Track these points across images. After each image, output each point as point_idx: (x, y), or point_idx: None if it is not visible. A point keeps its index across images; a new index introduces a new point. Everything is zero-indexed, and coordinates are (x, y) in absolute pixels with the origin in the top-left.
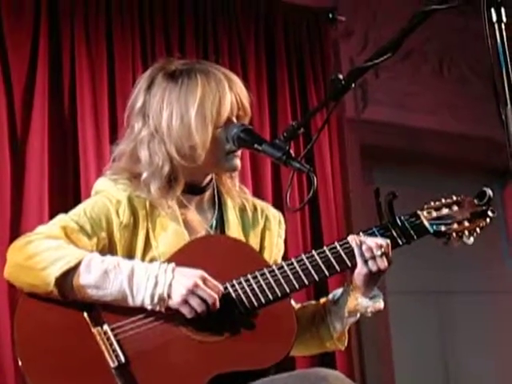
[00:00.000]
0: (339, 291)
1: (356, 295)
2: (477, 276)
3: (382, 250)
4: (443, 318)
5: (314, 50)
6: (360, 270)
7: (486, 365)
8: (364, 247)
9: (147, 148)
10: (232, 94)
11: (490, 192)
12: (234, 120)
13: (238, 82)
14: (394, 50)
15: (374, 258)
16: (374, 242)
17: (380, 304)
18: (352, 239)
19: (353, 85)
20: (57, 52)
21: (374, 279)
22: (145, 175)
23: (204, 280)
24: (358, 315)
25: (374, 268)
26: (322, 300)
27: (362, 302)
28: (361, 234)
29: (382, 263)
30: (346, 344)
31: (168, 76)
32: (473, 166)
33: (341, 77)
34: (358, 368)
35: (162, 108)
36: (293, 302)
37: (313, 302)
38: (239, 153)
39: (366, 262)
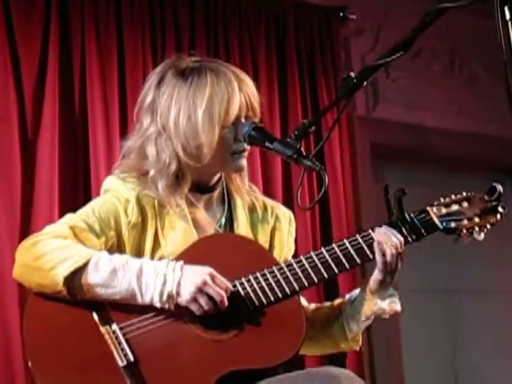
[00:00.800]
0: (355, 293)
1: (374, 299)
2: (488, 274)
3: (400, 250)
4: (454, 317)
5: (324, 49)
6: (378, 274)
7: (497, 364)
8: (384, 250)
9: (154, 145)
10: (242, 94)
11: (500, 188)
12: (243, 121)
13: (248, 83)
14: (406, 49)
15: (392, 261)
16: (391, 244)
17: (397, 306)
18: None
19: (364, 83)
20: (67, 48)
21: (389, 280)
22: (152, 173)
23: (213, 277)
24: (373, 317)
25: (391, 269)
26: (338, 301)
27: (380, 306)
28: (370, 231)
29: (399, 262)
30: (360, 344)
31: (178, 73)
32: (483, 165)
33: (352, 75)
34: (368, 366)
35: (171, 106)
36: (306, 302)
37: (328, 303)
38: (246, 153)
39: (386, 266)
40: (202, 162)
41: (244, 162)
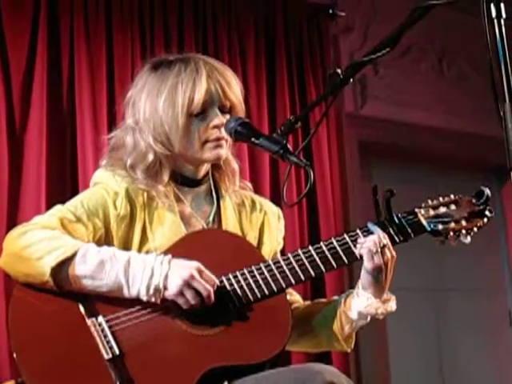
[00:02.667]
0: (349, 292)
1: (366, 295)
2: (474, 274)
3: (384, 242)
4: (439, 315)
5: (313, 45)
6: (365, 268)
7: (482, 363)
8: (366, 244)
9: (132, 136)
10: (211, 81)
11: (488, 192)
12: (217, 110)
13: (222, 71)
14: (393, 45)
15: (375, 250)
16: (373, 238)
17: (392, 306)
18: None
19: (351, 80)
20: (56, 44)
21: (380, 277)
22: (129, 161)
23: (200, 272)
24: (369, 318)
25: (377, 261)
26: (332, 299)
27: (372, 304)
28: (358, 231)
29: (385, 255)
30: (352, 347)
31: (152, 68)
32: (472, 164)
33: (339, 71)
34: (354, 364)
35: (141, 98)
36: (299, 299)
37: (323, 300)
38: (221, 142)
39: (371, 257)
40: (173, 151)
41: (220, 152)
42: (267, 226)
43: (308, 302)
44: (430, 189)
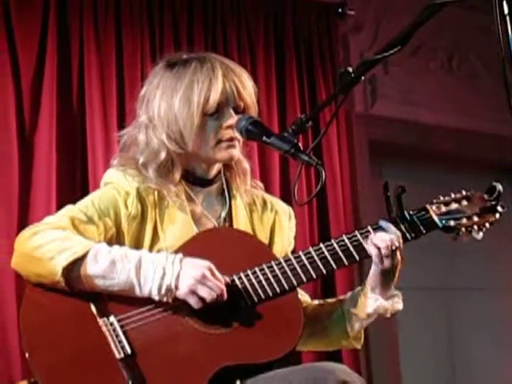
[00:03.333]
0: (357, 291)
1: (375, 297)
2: (485, 273)
3: (396, 244)
4: (451, 315)
5: (323, 45)
6: (375, 269)
7: (494, 362)
8: (377, 244)
9: (145, 134)
10: (226, 82)
11: (499, 187)
12: (231, 111)
13: (238, 72)
14: (404, 43)
15: (387, 254)
16: (386, 238)
17: (399, 305)
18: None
19: (362, 78)
20: (65, 43)
21: (388, 277)
22: (141, 159)
23: (211, 271)
24: (376, 315)
25: (387, 264)
26: (341, 298)
27: (381, 304)
28: (369, 227)
29: (395, 258)
30: (361, 343)
31: (168, 65)
32: (482, 163)
33: (350, 70)
34: (364, 363)
35: (156, 94)
36: (309, 298)
37: (331, 299)
38: (234, 142)
39: (381, 259)
40: (186, 149)
41: (233, 152)
42: (278, 226)
43: (316, 302)
44: (439, 188)
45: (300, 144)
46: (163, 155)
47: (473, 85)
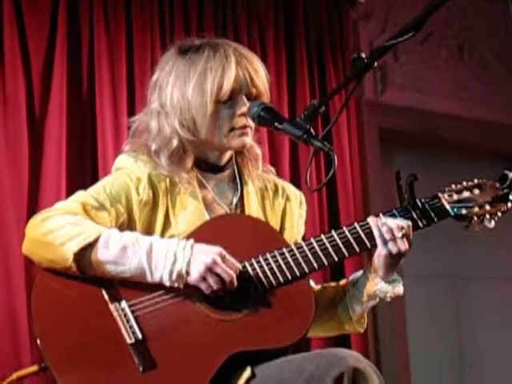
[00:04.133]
0: (359, 274)
1: (375, 279)
2: (494, 261)
3: (403, 231)
4: (460, 303)
5: (333, 32)
6: (380, 252)
7: (503, 350)
8: (384, 228)
9: (157, 121)
10: (240, 69)
11: (511, 175)
12: (244, 98)
13: (250, 58)
14: (418, 29)
15: (394, 239)
16: (395, 224)
17: (399, 289)
18: (371, 220)
19: (375, 64)
20: (76, 30)
21: (393, 262)
22: (154, 146)
23: (223, 257)
24: (378, 299)
25: (394, 250)
26: (342, 282)
27: (381, 287)
28: (381, 215)
29: (403, 245)
30: (365, 326)
31: (180, 51)
32: (491, 152)
33: (363, 55)
34: (373, 351)
35: (168, 82)
36: (312, 283)
37: (332, 283)
38: (247, 130)
39: (385, 243)
40: (199, 137)
41: (245, 140)
42: (289, 212)
43: (318, 287)
44: (450, 176)
45: (312, 130)
46: (175, 142)
47: (483, 73)
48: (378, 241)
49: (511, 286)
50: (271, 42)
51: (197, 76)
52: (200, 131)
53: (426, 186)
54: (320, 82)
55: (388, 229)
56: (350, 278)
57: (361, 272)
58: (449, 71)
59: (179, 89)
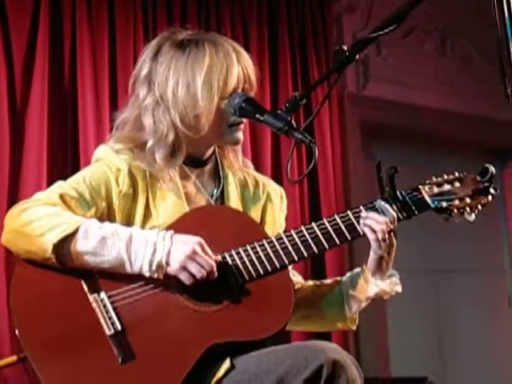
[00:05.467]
0: (356, 273)
1: (376, 282)
2: (474, 256)
3: (391, 226)
4: (440, 297)
5: (316, 25)
6: (374, 254)
7: (482, 343)
8: (373, 227)
9: (152, 116)
10: (240, 66)
11: (492, 169)
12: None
13: (245, 55)
14: (400, 22)
15: (384, 237)
16: (381, 221)
17: (398, 287)
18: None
19: (357, 57)
20: (58, 20)
21: (385, 259)
22: (150, 143)
23: (202, 247)
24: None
25: (385, 247)
26: (337, 279)
27: (381, 287)
28: (361, 207)
29: (392, 238)
30: (357, 323)
31: (175, 45)
32: (473, 145)
33: (345, 48)
34: (353, 343)
35: (168, 76)
36: (302, 279)
37: (327, 281)
38: (242, 126)
39: (379, 244)
40: (199, 133)
41: (240, 135)
42: (269, 207)
43: (310, 283)
44: (431, 170)
45: (293, 122)
46: (171, 137)
47: (466, 67)
48: (372, 243)
49: (492, 280)
50: (254, 34)
51: (204, 72)
52: (202, 126)
53: (407, 179)
54: (302, 75)
55: (381, 229)
56: (347, 275)
57: (358, 270)
58: (431, 65)
59: (185, 84)
